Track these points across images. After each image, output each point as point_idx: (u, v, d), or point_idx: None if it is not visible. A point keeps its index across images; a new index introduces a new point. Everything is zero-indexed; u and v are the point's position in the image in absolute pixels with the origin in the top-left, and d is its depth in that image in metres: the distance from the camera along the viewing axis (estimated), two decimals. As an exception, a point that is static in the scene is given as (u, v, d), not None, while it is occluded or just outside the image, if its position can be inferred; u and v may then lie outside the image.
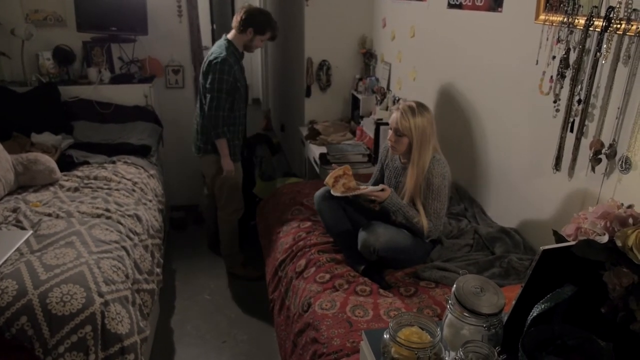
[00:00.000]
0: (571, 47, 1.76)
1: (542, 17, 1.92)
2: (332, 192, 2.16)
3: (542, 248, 0.97)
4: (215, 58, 2.71)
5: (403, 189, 2.14)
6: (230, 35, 2.85)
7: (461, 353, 0.96)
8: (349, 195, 2.13)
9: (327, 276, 1.99)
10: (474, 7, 2.47)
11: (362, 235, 2.06)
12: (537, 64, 1.93)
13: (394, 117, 2.11)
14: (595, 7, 1.63)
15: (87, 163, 2.98)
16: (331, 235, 2.26)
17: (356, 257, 2.10)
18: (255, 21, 2.82)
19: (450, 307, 1.08)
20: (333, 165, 2.23)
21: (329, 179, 2.22)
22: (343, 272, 2.02)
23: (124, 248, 2.16)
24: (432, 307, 1.79)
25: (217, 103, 2.72)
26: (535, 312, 0.99)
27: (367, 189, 2.12)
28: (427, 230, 2.06)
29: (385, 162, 2.35)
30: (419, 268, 2.03)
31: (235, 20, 2.83)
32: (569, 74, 1.79)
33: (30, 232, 2.12)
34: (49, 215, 2.29)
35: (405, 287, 1.94)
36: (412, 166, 2.08)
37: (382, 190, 2.09)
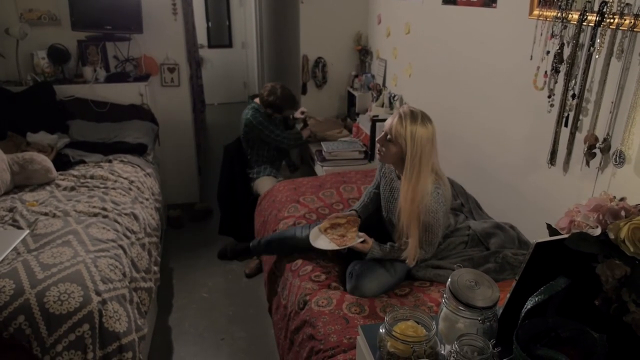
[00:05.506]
0: (565, 42, 1.77)
1: (536, 12, 1.92)
2: (312, 242, 2.02)
3: (535, 241, 0.98)
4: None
5: (397, 204, 1.96)
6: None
7: (456, 346, 0.96)
8: (329, 250, 2.01)
9: (323, 276, 1.99)
10: (469, 3, 2.48)
11: (349, 288, 1.90)
12: (531, 59, 1.94)
13: (389, 119, 1.89)
14: (589, 2, 1.64)
15: (83, 162, 2.98)
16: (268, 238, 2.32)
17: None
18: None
19: (445, 301, 1.09)
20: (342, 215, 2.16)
21: (326, 223, 2.09)
22: (339, 273, 2.02)
23: (121, 247, 2.16)
24: (428, 304, 1.79)
25: None
26: (529, 304, 0.99)
27: (350, 242, 1.98)
28: (419, 259, 1.93)
29: (382, 168, 2.15)
30: (412, 269, 1.99)
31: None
32: (563, 68, 1.79)
33: (27, 231, 2.11)
34: (46, 214, 2.28)
35: (399, 288, 1.93)
36: (407, 185, 1.84)
37: (364, 241, 1.96)
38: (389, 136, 1.87)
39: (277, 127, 3.29)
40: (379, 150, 1.95)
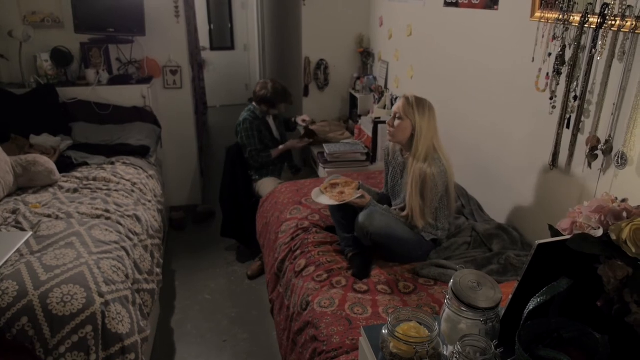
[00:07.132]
0: (567, 44, 1.77)
1: (537, 14, 1.93)
2: (314, 199, 2.16)
3: (537, 242, 0.98)
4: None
5: (404, 179, 2.14)
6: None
7: (459, 347, 0.96)
8: (332, 204, 2.13)
9: (325, 275, 2.00)
10: (470, 6, 2.48)
11: (359, 217, 2.07)
12: (533, 61, 1.94)
13: (395, 104, 2.09)
14: (590, 4, 1.64)
15: (86, 164, 2.99)
16: (332, 218, 2.28)
17: (351, 240, 2.13)
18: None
19: (447, 302, 1.09)
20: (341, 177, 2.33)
21: (326, 183, 2.22)
22: (341, 271, 2.03)
23: (124, 248, 2.17)
24: (431, 305, 1.80)
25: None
26: (531, 305, 1.00)
27: (349, 197, 2.11)
28: (418, 221, 2.06)
29: (388, 159, 2.33)
30: (417, 265, 2.04)
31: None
32: (564, 70, 1.80)
33: (30, 233, 2.12)
34: (49, 216, 2.29)
35: (404, 283, 1.95)
36: (413, 157, 2.04)
37: (362, 197, 2.10)
38: (398, 114, 2.06)
39: (262, 142, 3.29)
40: (389, 132, 2.11)
